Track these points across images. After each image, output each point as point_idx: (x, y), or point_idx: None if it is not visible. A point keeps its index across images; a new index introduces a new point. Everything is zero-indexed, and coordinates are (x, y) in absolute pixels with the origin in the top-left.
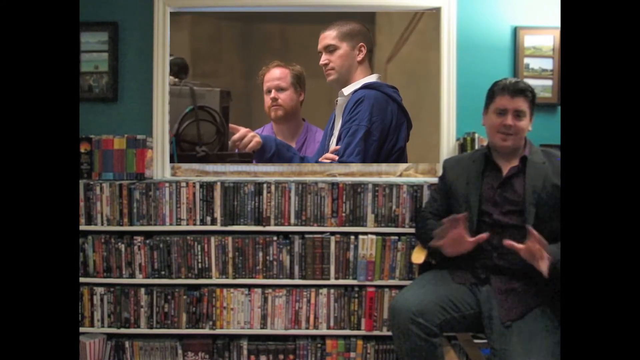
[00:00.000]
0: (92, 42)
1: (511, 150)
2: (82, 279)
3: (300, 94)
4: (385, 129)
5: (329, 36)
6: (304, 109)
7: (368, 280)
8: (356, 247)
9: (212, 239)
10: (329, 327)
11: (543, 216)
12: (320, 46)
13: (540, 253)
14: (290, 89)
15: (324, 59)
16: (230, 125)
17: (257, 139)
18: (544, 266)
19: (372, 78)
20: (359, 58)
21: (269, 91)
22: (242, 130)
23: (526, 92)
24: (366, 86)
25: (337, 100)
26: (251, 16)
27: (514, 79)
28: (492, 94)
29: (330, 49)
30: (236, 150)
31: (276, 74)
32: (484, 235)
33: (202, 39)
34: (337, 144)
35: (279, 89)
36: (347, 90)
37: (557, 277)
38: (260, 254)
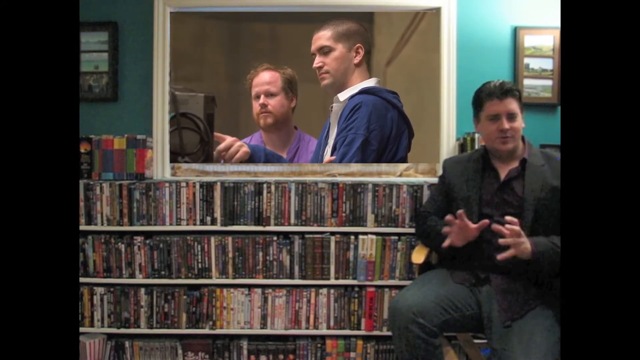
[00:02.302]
0: (92, 42)
1: (511, 152)
2: (82, 279)
3: (292, 99)
4: (385, 137)
5: (323, 37)
6: (295, 116)
7: (368, 280)
8: (356, 247)
9: (212, 239)
10: (329, 327)
11: (541, 218)
12: (313, 47)
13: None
14: (280, 94)
15: (317, 61)
16: (215, 134)
17: (245, 149)
18: (522, 252)
19: (371, 82)
20: (356, 60)
21: (258, 97)
22: (229, 139)
23: (513, 92)
24: (364, 91)
25: (332, 107)
26: (238, 15)
27: (498, 82)
28: (479, 101)
29: (325, 51)
30: (222, 161)
31: (265, 78)
32: (485, 222)
33: (185, 40)
34: (332, 154)
35: (269, 95)
36: (343, 96)
37: (540, 266)
38: (260, 254)
